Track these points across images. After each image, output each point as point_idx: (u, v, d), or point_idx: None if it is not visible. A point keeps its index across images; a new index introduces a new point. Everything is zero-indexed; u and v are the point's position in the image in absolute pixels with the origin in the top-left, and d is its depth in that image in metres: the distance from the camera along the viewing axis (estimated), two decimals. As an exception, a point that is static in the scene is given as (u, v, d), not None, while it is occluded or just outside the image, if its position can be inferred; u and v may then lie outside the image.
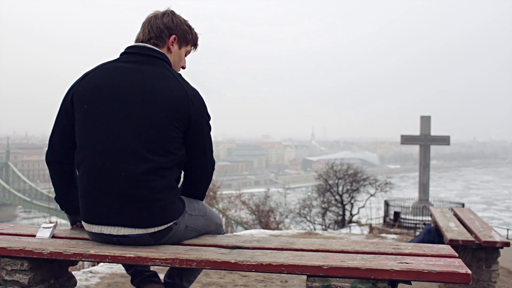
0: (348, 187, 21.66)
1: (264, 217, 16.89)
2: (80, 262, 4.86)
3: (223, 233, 2.67)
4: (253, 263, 2.03)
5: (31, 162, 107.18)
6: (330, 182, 21.74)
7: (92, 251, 2.18)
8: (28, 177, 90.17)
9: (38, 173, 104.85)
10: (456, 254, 2.15)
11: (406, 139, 18.15)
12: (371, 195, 21.75)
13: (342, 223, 20.77)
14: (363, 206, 21.40)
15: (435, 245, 2.31)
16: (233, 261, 2.05)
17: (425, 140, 17.63)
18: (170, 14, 2.43)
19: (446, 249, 2.25)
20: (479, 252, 4.48)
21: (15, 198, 76.32)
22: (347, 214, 21.48)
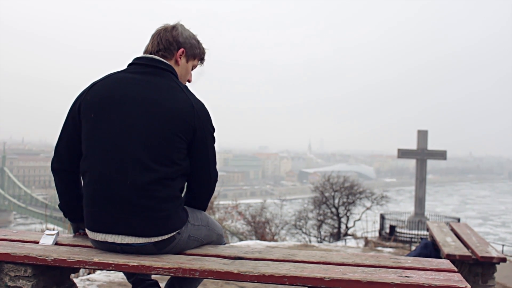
0: (344, 200, 21.71)
1: (260, 228, 16.89)
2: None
3: (224, 244, 2.69)
4: (256, 274, 2.05)
5: (27, 168, 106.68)
6: (326, 194, 21.79)
7: (95, 259, 2.20)
8: (23, 183, 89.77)
9: (33, 179, 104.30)
10: (455, 269, 2.18)
11: (403, 153, 18.23)
12: (367, 208, 21.79)
13: (337, 235, 20.78)
14: (359, 219, 21.41)
15: (434, 260, 2.34)
16: (235, 271, 2.07)
17: (422, 154, 17.70)
18: (179, 28, 2.47)
19: (446, 263, 2.27)
20: (476, 267, 4.50)
21: (10, 204, 75.99)
22: (343, 227, 21.49)
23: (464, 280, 2.01)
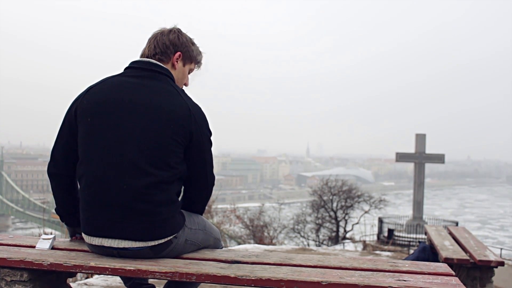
0: (343, 204, 21.73)
1: (258, 232, 16.89)
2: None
3: (222, 248, 2.68)
4: (253, 278, 2.05)
5: (25, 172, 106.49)
6: (325, 198, 21.81)
7: (92, 263, 2.19)
8: (21, 187, 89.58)
9: (31, 184, 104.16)
10: (453, 273, 2.17)
11: (401, 157, 18.20)
12: (365, 212, 21.80)
13: (336, 239, 20.78)
14: (357, 223, 21.43)
15: (432, 263, 2.33)
16: (232, 275, 2.07)
17: (420, 158, 17.68)
18: (176, 32, 2.47)
19: (443, 267, 2.27)
20: (474, 271, 4.50)
21: (8, 208, 75.86)
22: (341, 230, 21.50)
23: (462, 284, 2.00)
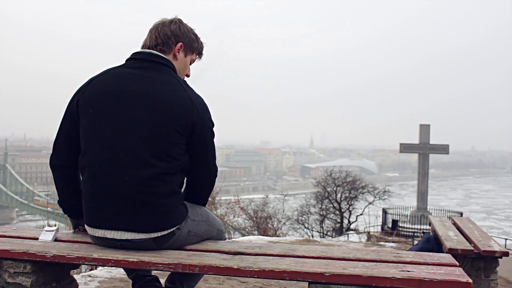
0: (347, 195, 21.68)
1: (262, 223, 16.89)
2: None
3: (225, 239, 2.68)
4: (256, 269, 2.04)
5: (29, 165, 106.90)
6: (329, 189, 21.77)
7: (95, 255, 2.19)
8: (25, 179, 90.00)
9: (35, 176, 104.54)
10: (457, 263, 2.16)
11: (405, 148, 18.17)
12: (370, 203, 21.76)
13: (340, 230, 20.77)
14: (361, 214, 21.40)
15: (436, 254, 2.32)
16: (235, 267, 2.06)
17: (424, 149, 17.65)
18: (177, 22, 2.46)
19: (447, 257, 2.26)
20: (478, 261, 4.49)
21: (12, 200, 76.19)
22: (345, 221, 21.49)
23: (465, 274, 1.99)
